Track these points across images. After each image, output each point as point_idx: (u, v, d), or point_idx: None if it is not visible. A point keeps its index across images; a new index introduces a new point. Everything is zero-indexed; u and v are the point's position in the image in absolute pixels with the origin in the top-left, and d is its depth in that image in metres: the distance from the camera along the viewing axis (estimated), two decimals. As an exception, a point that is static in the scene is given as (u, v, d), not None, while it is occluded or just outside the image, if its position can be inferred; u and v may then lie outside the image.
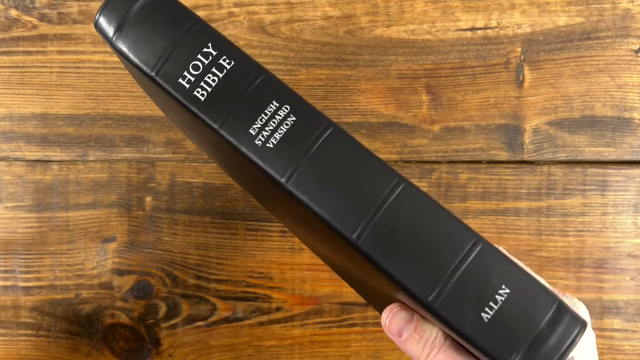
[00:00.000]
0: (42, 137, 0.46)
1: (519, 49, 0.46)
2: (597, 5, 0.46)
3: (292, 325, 0.47)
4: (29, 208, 0.46)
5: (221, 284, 0.47)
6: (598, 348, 0.45)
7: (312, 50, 0.46)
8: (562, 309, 0.25)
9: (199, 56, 0.27)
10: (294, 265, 0.47)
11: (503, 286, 0.25)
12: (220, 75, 0.27)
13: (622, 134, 0.46)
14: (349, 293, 0.46)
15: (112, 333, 0.47)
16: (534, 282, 0.25)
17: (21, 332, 0.46)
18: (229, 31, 0.46)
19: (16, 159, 0.46)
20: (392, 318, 0.28)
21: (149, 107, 0.47)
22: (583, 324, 0.24)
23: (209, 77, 0.27)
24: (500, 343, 0.24)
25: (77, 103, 0.46)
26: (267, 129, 0.26)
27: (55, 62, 0.46)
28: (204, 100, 0.27)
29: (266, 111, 0.26)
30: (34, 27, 0.46)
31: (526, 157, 0.46)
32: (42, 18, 0.46)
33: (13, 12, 0.46)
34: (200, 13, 0.46)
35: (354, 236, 0.25)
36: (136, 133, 0.47)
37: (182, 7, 0.28)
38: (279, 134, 0.26)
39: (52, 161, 0.46)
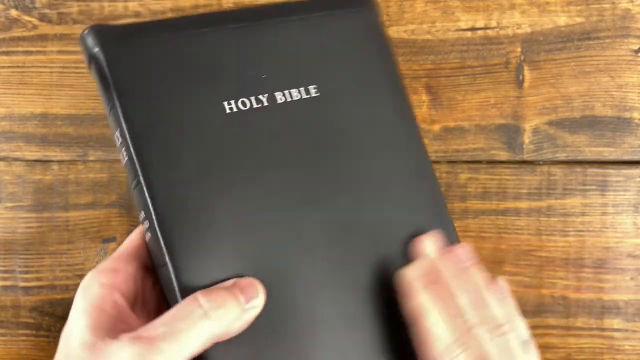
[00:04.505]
0: (42, 137, 0.46)
1: (519, 49, 0.46)
2: (597, 5, 0.46)
3: (292, 326, 0.46)
4: (28, 208, 0.46)
5: (221, 284, 0.46)
6: (598, 348, 0.45)
7: (312, 50, 0.46)
8: None
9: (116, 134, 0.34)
10: (294, 265, 0.46)
11: None
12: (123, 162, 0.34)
13: (622, 134, 0.46)
14: (349, 293, 0.46)
15: (112, 333, 0.47)
16: None
17: (21, 332, 0.46)
18: (229, 31, 0.46)
19: (16, 159, 0.46)
20: None
21: (149, 107, 0.47)
22: None
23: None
24: None
25: (77, 103, 0.46)
26: None
27: (56, 62, 0.46)
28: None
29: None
30: (34, 27, 0.46)
31: (526, 157, 0.46)
32: (42, 18, 0.46)
33: (13, 12, 0.46)
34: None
35: None
36: (136, 133, 0.47)
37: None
38: None
39: (52, 161, 0.46)
